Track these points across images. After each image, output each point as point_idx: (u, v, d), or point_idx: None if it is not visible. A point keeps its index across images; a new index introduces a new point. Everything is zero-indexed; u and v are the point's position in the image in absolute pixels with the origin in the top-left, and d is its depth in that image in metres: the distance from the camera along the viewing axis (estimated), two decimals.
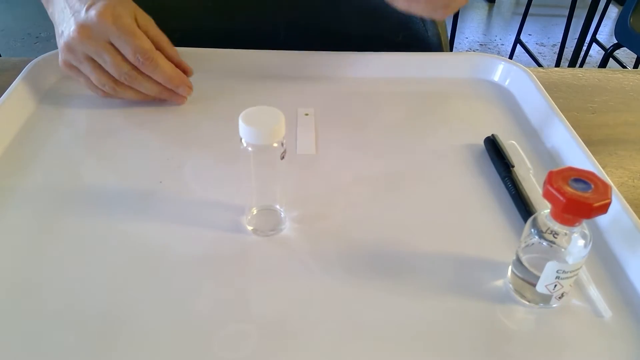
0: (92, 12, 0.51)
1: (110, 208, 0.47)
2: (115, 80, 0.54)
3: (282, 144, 0.41)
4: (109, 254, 0.43)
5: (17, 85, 0.58)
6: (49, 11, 0.57)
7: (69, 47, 0.52)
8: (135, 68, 0.53)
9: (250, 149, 0.40)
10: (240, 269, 0.42)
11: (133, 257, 0.43)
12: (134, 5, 0.55)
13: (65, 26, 0.53)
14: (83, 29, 0.51)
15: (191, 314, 0.39)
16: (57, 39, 0.54)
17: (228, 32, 0.70)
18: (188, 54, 0.60)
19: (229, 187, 0.49)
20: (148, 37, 0.54)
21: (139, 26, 0.54)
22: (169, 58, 0.57)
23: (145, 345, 0.37)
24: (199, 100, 0.60)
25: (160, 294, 0.40)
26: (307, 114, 0.60)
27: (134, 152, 0.53)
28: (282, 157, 0.42)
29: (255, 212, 0.46)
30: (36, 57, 0.64)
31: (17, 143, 0.54)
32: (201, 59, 0.64)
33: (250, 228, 0.45)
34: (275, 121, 0.39)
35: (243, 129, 0.39)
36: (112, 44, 0.52)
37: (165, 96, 0.57)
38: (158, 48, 0.55)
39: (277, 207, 0.46)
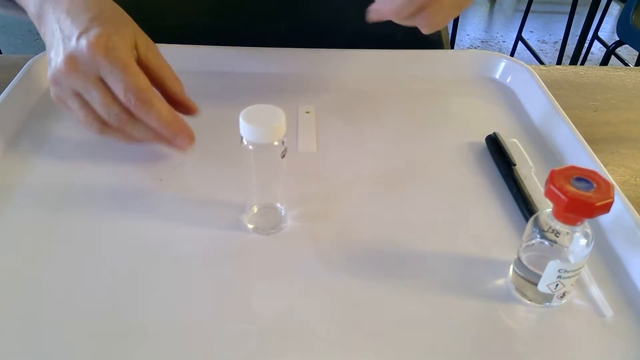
0: (83, 42, 0.43)
1: (111, 206, 0.47)
2: (105, 121, 0.46)
3: (283, 142, 0.41)
4: (109, 252, 0.43)
5: (18, 82, 0.58)
6: (41, 31, 0.49)
7: (55, 80, 0.45)
8: (127, 110, 0.45)
9: (250, 147, 0.40)
10: (241, 268, 0.42)
11: (134, 256, 0.43)
12: (135, 29, 0.48)
13: (54, 54, 0.46)
14: (71, 60, 0.44)
15: (192, 313, 0.39)
16: (47, 66, 0.47)
17: (228, 29, 0.69)
18: (187, 52, 0.60)
19: (230, 185, 0.49)
20: (149, 68, 0.47)
21: (138, 55, 0.47)
22: (171, 95, 0.49)
23: (146, 344, 0.37)
24: (199, 98, 0.60)
25: (160, 292, 0.40)
26: (307, 112, 0.60)
27: (134, 149, 0.53)
28: (283, 156, 0.42)
29: (255, 210, 0.46)
30: (37, 54, 0.63)
31: (17, 140, 0.54)
32: (200, 56, 0.64)
33: (251, 226, 0.45)
34: (276, 119, 0.39)
35: (244, 127, 0.39)
36: (102, 80, 0.45)
37: (162, 143, 0.49)
38: (159, 81, 0.49)
39: (278, 205, 0.46)
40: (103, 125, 0.47)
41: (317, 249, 0.44)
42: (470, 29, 3.04)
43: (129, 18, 0.48)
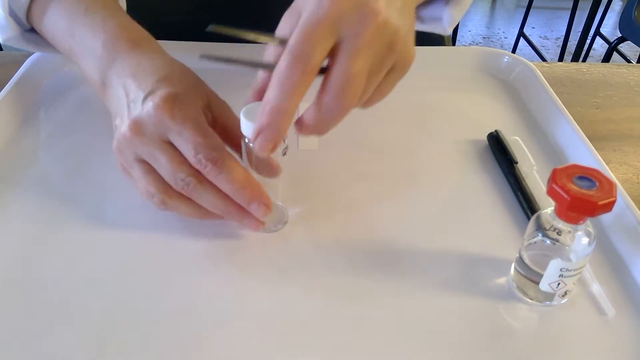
0: (149, 104, 0.40)
1: (110, 203, 0.47)
2: (167, 190, 0.41)
3: (284, 140, 0.41)
4: (109, 251, 0.43)
5: (18, 79, 0.58)
6: (105, 100, 0.46)
7: (120, 148, 0.42)
8: (196, 174, 0.40)
9: (252, 144, 0.40)
10: (242, 266, 0.42)
11: (134, 254, 0.43)
12: (206, 90, 0.44)
13: (119, 121, 0.42)
14: (136, 124, 0.40)
15: (192, 312, 0.39)
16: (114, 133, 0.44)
17: (230, 26, 0.69)
18: (187, 48, 0.60)
19: None
20: (225, 129, 0.43)
21: (213, 116, 0.43)
22: (231, 130, 0.44)
23: (146, 342, 0.37)
24: None
25: (161, 291, 0.40)
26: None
27: None
28: (284, 154, 0.42)
29: None
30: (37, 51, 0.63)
31: (17, 138, 0.54)
32: (201, 53, 0.63)
33: None
34: None
35: (245, 124, 0.38)
36: (170, 143, 0.40)
37: (233, 216, 0.42)
38: (238, 142, 0.43)
39: (279, 203, 0.46)
40: (166, 195, 0.42)
41: (317, 248, 0.44)
42: (472, 25, 3.04)
43: (200, 79, 0.45)
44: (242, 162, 0.42)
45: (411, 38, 0.40)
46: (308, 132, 0.39)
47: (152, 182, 0.41)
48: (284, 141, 0.41)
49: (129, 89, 0.42)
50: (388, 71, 0.39)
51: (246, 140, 0.40)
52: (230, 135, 0.44)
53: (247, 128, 0.38)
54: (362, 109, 0.42)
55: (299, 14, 0.37)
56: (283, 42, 0.37)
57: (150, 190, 0.42)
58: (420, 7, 0.54)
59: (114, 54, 0.45)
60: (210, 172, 0.40)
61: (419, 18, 0.61)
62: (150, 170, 0.41)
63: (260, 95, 0.39)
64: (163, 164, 0.40)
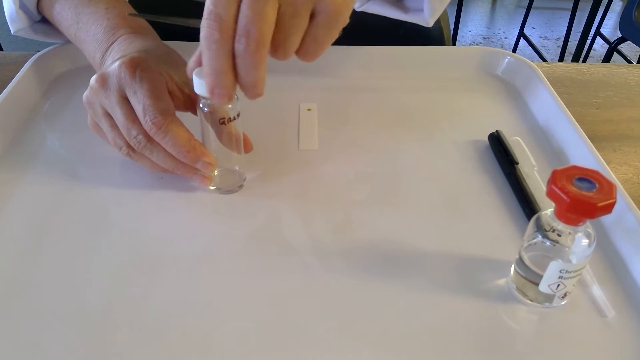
0: (117, 62, 0.43)
1: (110, 203, 0.47)
2: (129, 144, 0.45)
3: (236, 99, 0.43)
4: (108, 250, 0.43)
5: (18, 79, 0.58)
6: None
7: (89, 101, 0.45)
8: (147, 133, 0.44)
9: (206, 109, 0.43)
10: (242, 266, 0.42)
11: (133, 254, 0.43)
12: (179, 60, 0.48)
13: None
14: (101, 78, 0.44)
15: (191, 312, 0.39)
16: None
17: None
18: (188, 49, 0.60)
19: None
20: (185, 94, 0.46)
21: (188, 94, 0.46)
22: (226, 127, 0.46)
23: (145, 342, 0.36)
24: None
25: (160, 291, 0.40)
26: (309, 109, 0.59)
27: None
28: (236, 118, 0.44)
29: (216, 172, 0.48)
30: (38, 51, 0.63)
31: (19, 137, 0.54)
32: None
33: (212, 188, 0.48)
34: None
35: (196, 83, 0.40)
36: (128, 101, 0.44)
37: (182, 172, 0.46)
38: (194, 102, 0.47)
39: (237, 167, 0.49)
40: (129, 148, 0.45)
41: (317, 248, 0.44)
42: (472, 25, 3.03)
43: (183, 62, 0.47)
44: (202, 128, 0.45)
45: None
46: (247, 92, 0.39)
47: (118, 136, 0.45)
48: (236, 99, 0.42)
49: (110, 52, 0.48)
50: (313, 15, 0.38)
51: (200, 105, 0.42)
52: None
53: (198, 86, 0.40)
54: (304, 60, 0.41)
55: None
56: None
57: (117, 143, 0.45)
58: None
59: (113, 37, 0.50)
60: (155, 134, 0.43)
61: (403, 8, 0.62)
62: (114, 124, 0.45)
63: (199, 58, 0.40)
64: (119, 119, 0.44)
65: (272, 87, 0.63)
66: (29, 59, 0.61)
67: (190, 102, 0.47)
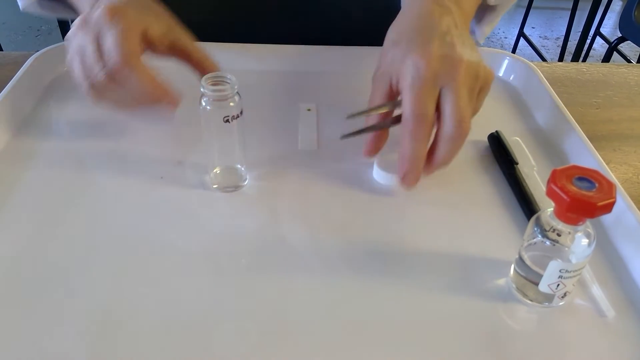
0: (99, 9, 0.46)
1: (110, 203, 0.47)
2: (92, 83, 0.46)
3: (238, 95, 0.44)
4: (108, 249, 0.43)
5: (18, 79, 0.58)
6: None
7: (68, 38, 0.48)
8: (111, 72, 0.45)
9: (209, 107, 0.43)
10: (241, 266, 0.42)
11: (133, 254, 0.43)
12: (168, 23, 0.50)
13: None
14: (83, 19, 0.47)
15: (191, 312, 0.39)
16: None
17: (229, 26, 0.69)
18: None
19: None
20: (182, 52, 0.50)
21: (170, 41, 0.50)
22: (200, 59, 0.51)
23: (145, 342, 0.36)
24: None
25: (160, 291, 0.40)
26: (309, 109, 0.59)
27: (134, 148, 0.53)
28: (237, 116, 0.44)
29: (218, 170, 0.49)
30: (37, 51, 0.63)
31: (18, 138, 0.54)
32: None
33: (214, 186, 0.49)
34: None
35: (379, 173, 0.50)
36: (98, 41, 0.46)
37: (145, 110, 0.49)
38: (197, 64, 0.51)
39: (238, 166, 0.49)
40: (91, 87, 0.47)
41: (316, 249, 0.44)
42: (472, 25, 3.03)
43: (167, 14, 0.51)
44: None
45: (482, 61, 0.47)
46: (436, 168, 0.47)
47: (83, 70, 0.46)
48: (239, 97, 0.44)
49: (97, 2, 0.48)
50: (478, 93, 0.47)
51: (203, 104, 0.44)
52: (185, 54, 0.51)
53: (381, 176, 0.50)
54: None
55: (389, 76, 0.47)
56: (389, 105, 0.48)
57: (79, 79, 0.47)
58: None
59: None
60: (116, 73, 0.45)
61: None
62: (84, 62, 0.46)
63: (371, 144, 0.50)
64: (87, 55, 0.46)
65: (272, 87, 0.63)
66: (28, 58, 0.61)
67: (172, 49, 0.50)
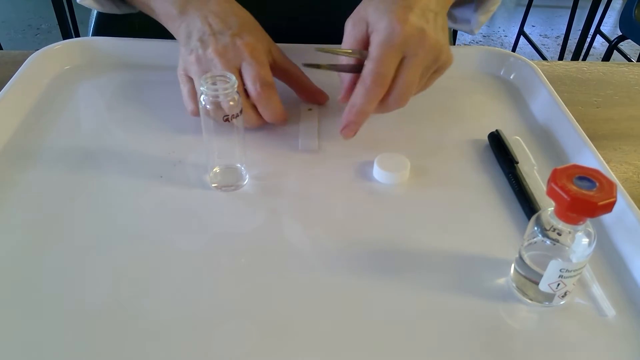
0: (238, 42, 0.52)
1: (110, 203, 0.47)
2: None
3: (238, 95, 0.44)
4: (108, 249, 0.43)
5: (18, 79, 0.58)
6: (175, 24, 0.56)
7: (198, 61, 0.52)
8: (245, 99, 0.53)
9: (208, 106, 0.44)
10: (242, 266, 0.42)
11: (134, 254, 0.43)
12: (269, 39, 0.56)
13: (199, 43, 0.53)
14: (224, 49, 0.52)
15: (191, 312, 0.39)
16: (182, 48, 0.55)
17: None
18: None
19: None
20: (282, 68, 0.57)
21: (275, 61, 0.56)
22: (307, 88, 0.59)
23: (146, 342, 0.36)
24: None
25: (160, 291, 0.40)
26: (310, 109, 0.59)
27: (133, 150, 0.53)
28: (236, 116, 0.45)
29: (217, 170, 0.49)
30: (37, 49, 0.63)
31: (17, 137, 0.54)
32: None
33: (213, 185, 0.49)
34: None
35: (379, 172, 0.50)
36: (239, 71, 0.52)
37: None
38: (294, 79, 0.59)
39: (238, 165, 0.49)
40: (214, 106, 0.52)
41: (316, 249, 0.44)
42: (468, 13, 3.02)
43: (263, 30, 0.57)
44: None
45: (448, 47, 0.51)
46: (360, 123, 0.52)
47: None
48: (239, 96, 0.45)
49: (212, 22, 0.54)
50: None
51: (203, 102, 0.44)
52: (286, 73, 0.58)
53: (380, 175, 0.50)
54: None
55: (365, 24, 0.50)
56: (357, 53, 0.51)
57: (190, 101, 0.54)
58: (452, 6, 0.63)
59: None
60: (260, 97, 0.52)
61: (452, 17, 0.69)
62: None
63: (348, 92, 0.52)
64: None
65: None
66: (28, 57, 0.61)
67: (282, 72, 0.58)
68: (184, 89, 0.55)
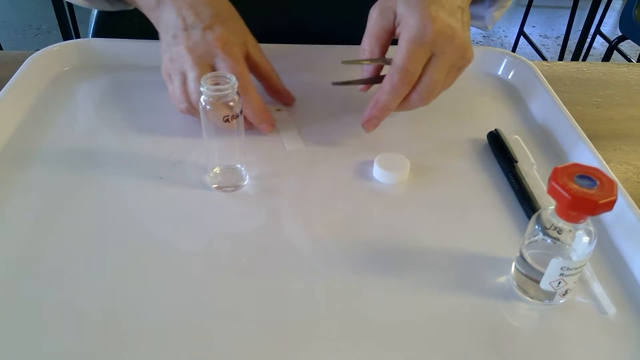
0: (210, 36, 0.50)
1: (110, 203, 0.47)
2: (191, 102, 0.52)
3: (238, 96, 0.44)
4: (108, 249, 0.43)
5: (18, 78, 0.58)
6: (155, 14, 0.55)
7: (171, 58, 0.52)
8: None
9: (208, 107, 0.44)
10: (242, 266, 0.42)
11: (134, 255, 0.43)
12: (245, 30, 0.55)
13: (172, 38, 0.52)
14: (195, 45, 0.50)
15: (192, 312, 0.39)
16: (161, 44, 0.53)
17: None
18: None
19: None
20: (255, 63, 0.55)
21: (248, 54, 0.54)
22: (274, 87, 0.58)
23: (146, 342, 0.36)
24: None
25: (161, 291, 0.40)
26: (279, 110, 0.59)
27: (132, 150, 0.53)
28: (237, 116, 0.45)
29: (218, 170, 0.49)
30: (37, 50, 0.63)
31: (16, 138, 0.54)
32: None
33: (213, 186, 0.49)
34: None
35: (378, 171, 0.50)
36: (212, 67, 0.51)
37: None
38: (263, 75, 0.56)
39: (238, 165, 0.49)
40: (190, 104, 0.52)
41: (316, 249, 0.44)
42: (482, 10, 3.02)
43: (241, 19, 0.55)
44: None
45: (471, 44, 0.51)
46: (382, 118, 0.52)
47: (184, 93, 0.52)
48: (239, 97, 0.44)
49: (186, 14, 0.52)
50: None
51: (203, 103, 0.44)
52: (257, 68, 0.56)
53: (380, 174, 0.50)
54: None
55: (393, 14, 0.50)
56: (381, 60, 0.53)
57: (182, 98, 0.52)
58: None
59: None
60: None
61: None
62: (184, 83, 0.52)
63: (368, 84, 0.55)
64: (194, 75, 0.50)
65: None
66: (27, 57, 0.61)
67: (254, 67, 0.55)
68: (169, 89, 0.54)
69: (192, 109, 0.52)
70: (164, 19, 0.53)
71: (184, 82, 0.52)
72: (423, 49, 0.48)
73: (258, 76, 0.57)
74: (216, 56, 0.51)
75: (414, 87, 0.50)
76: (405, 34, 0.48)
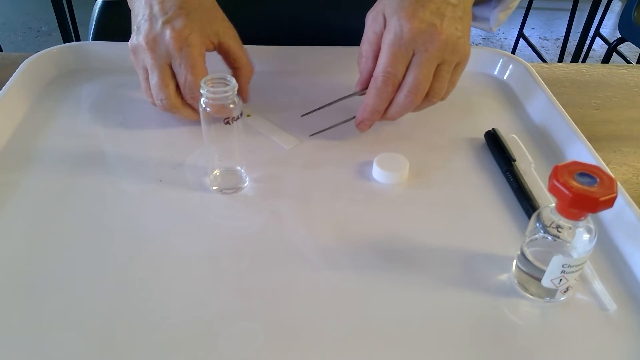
0: (167, 32, 0.49)
1: (110, 204, 0.47)
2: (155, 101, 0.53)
3: (236, 102, 0.44)
4: (108, 251, 0.43)
5: (15, 81, 0.58)
6: (131, 3, 0.54)
7: (134, 50, 0.51)
8: (174, 99, 0.52)
9: (209, 109, 0.44)
10: (242, 266, 0.42)
11: (135, 255, 0.43)
12: (215, 20, 0.53)
13: (140, 26, 0.51)
14: (153, 40, 0.50)
15: (194, 313, 0.39)
16: (132, 29, 0.53)
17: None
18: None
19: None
20: (228, 54, 0.54)
21: (220, 43, 0.53)
22: (239, 77, 0.56)
23: (148, 343, 0.37)
24: None
25: (162, 291, 0.40)
26: (248, 115, 0.59)
27: (132, 151, 0.53)
28: (237, 118, 0.45)
29: (218, 173, 0.49)
30: (37, 52, 0.63)
31: (15, 139, 0.54)
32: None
33: (214, 188, 0.49)
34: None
35: (378, 172, 0.50)
36: (170, 66, 0.51)
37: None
38: (236, 66, 0.55)
39: (238, 167, 0.49)
40: (154, 102, 0.53)
41: (317, 250, 0.44)
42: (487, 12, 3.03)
43: (214, 7, 0.54)
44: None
45: (467, 39, 0.51)
46: (386, 119, 0.54)
47: (147, 89, 0.53)
48: (239, 100, 0.44)
49: (152, 2, 0.51)
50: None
51: (203, 105, 0.44)
52: (229, 57, 0.55)
53: (382, 176, 0.51)
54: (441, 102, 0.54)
55: (383, 18, 0.50)
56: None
57: (147, 93, 0.53)
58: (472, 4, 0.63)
59: None
60: (192, 103, 0.52)
61: (472, 16, 0.67)
62: (147, 78, 0.52)
63: (363, 83, 0.54)
64: (153, 80, 0.51)
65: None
66: (27, 57, 0.61)
67: (227, 55, 0.55)
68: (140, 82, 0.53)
69: (163, 108, 0.52)
70: (135, 8, 0.53)
71: (147, 79, 0.52)
72: (402, 49, 0.48)
73: (230, 65, 0.56)
74: (172, 57, 0.50)
75: (399, 88, 0.50)
76: (385, 37, 0.49)
